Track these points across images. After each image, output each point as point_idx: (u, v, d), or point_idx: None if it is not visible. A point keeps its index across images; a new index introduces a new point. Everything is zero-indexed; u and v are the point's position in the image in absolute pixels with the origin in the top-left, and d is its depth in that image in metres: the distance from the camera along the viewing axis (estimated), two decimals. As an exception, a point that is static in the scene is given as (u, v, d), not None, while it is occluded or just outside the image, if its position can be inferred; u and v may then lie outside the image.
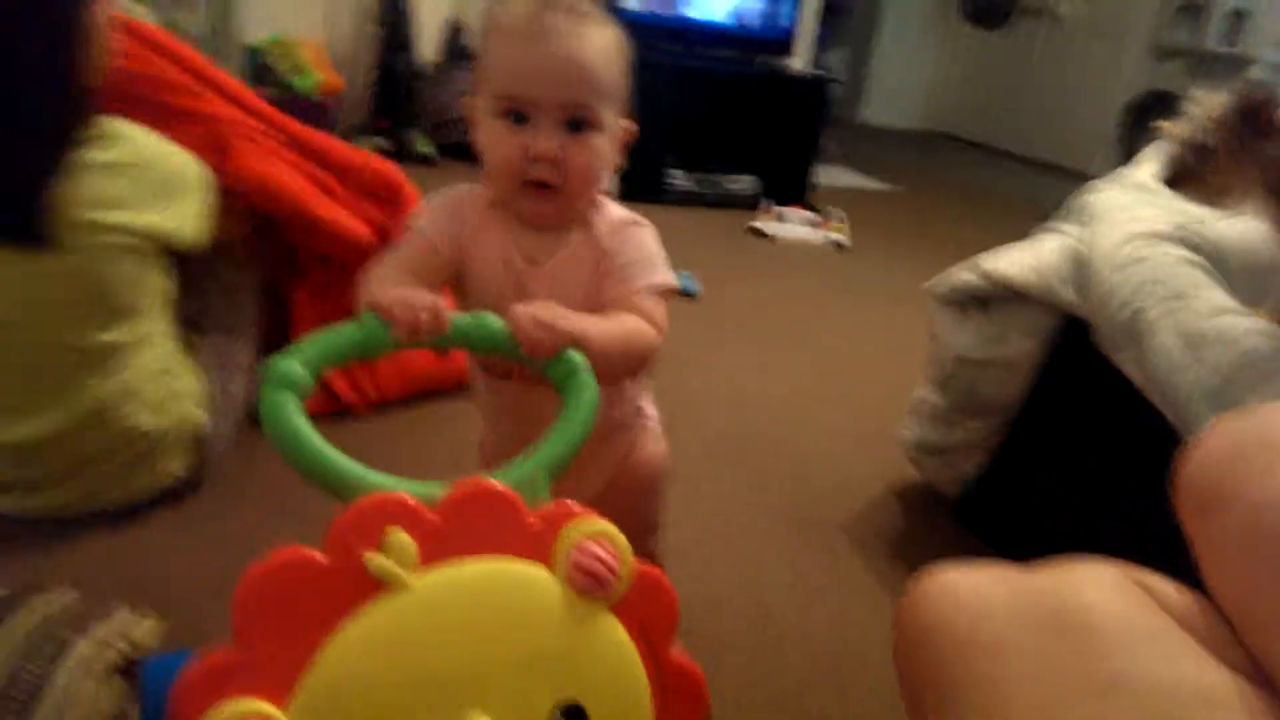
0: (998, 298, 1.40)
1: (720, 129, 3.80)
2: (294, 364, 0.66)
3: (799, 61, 4.09)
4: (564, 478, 0.69)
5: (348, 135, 3.48)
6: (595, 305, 0.84)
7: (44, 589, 0.94)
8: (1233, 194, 1.04)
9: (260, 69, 3.33)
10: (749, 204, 3.59)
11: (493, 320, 0.74)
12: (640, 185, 3.54)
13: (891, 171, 5.02)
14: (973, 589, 0.60)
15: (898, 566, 1.43)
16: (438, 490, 0.62)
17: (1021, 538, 1.46)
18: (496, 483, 0.64)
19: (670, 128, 3.54)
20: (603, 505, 0.91)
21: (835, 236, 3.31)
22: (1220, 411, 1.08)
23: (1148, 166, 1.44)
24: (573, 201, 0.84)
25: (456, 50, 3.60)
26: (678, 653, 0.68)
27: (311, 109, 3.35)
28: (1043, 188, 5.30)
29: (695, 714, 0.68)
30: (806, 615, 1.29)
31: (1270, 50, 1.50)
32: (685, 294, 2.52)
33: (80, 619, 0.90)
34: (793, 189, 3.75)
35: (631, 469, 0.98)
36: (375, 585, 0.59)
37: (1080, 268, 1.28)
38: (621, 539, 0.65)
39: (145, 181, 1.15)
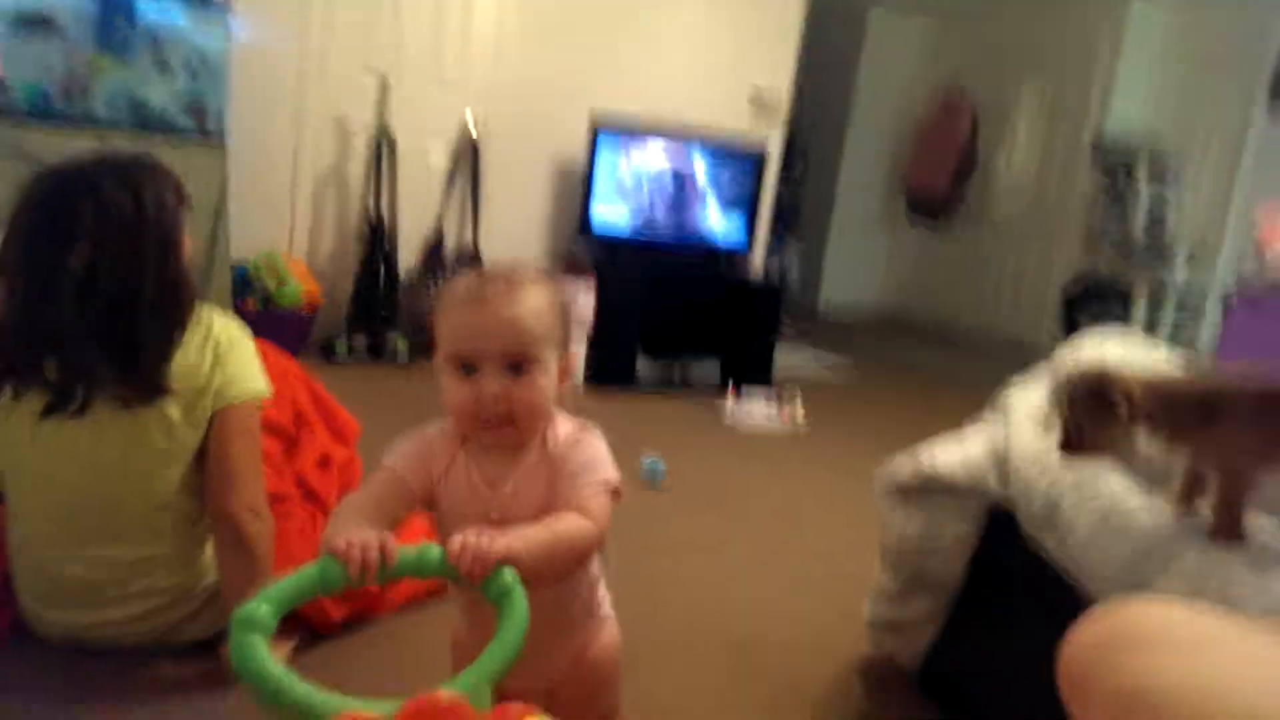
0: (934, 489, 1.51)
1: (685, 325, 4.05)
2: (259, 608, 0.76)
3: (757, 262, 4.41)
4: (522, 672, 0.77)
5: (327, 341, 3.67)
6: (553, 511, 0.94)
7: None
8: (1117, 451, 1.20)
9: (245, 282, 3.54)
10: (713, 391, 3.77)
11: (433, 550, 0.85)
12: (610, 373, 3.73)
13: (847, 352, 5.28)
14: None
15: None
16: (392, 708, 0.70)
17: (976, 700, 1.51)
18: (444, 695, 0.71)
19: (638, 322, 3.76)
20: (561, 696, 0.98)
21: (795, 422, 3.46)
22: (1132, 591, 1.18)
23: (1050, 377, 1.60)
24: (524, 429, 0.97)
25: (436, 260, 3.86)
26: None
27: (294, 319, 3.55)
28: (993, 363, 5.57)
29: None
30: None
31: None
32: (653, 479, 2.61)
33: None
34: (755, 375, 3.95)
35: (589, 662, 1.04)
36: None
37: (1002, 463, 1.40)
38: None
39: (232, 356, 1.45)
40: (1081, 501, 1.27)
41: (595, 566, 1.04)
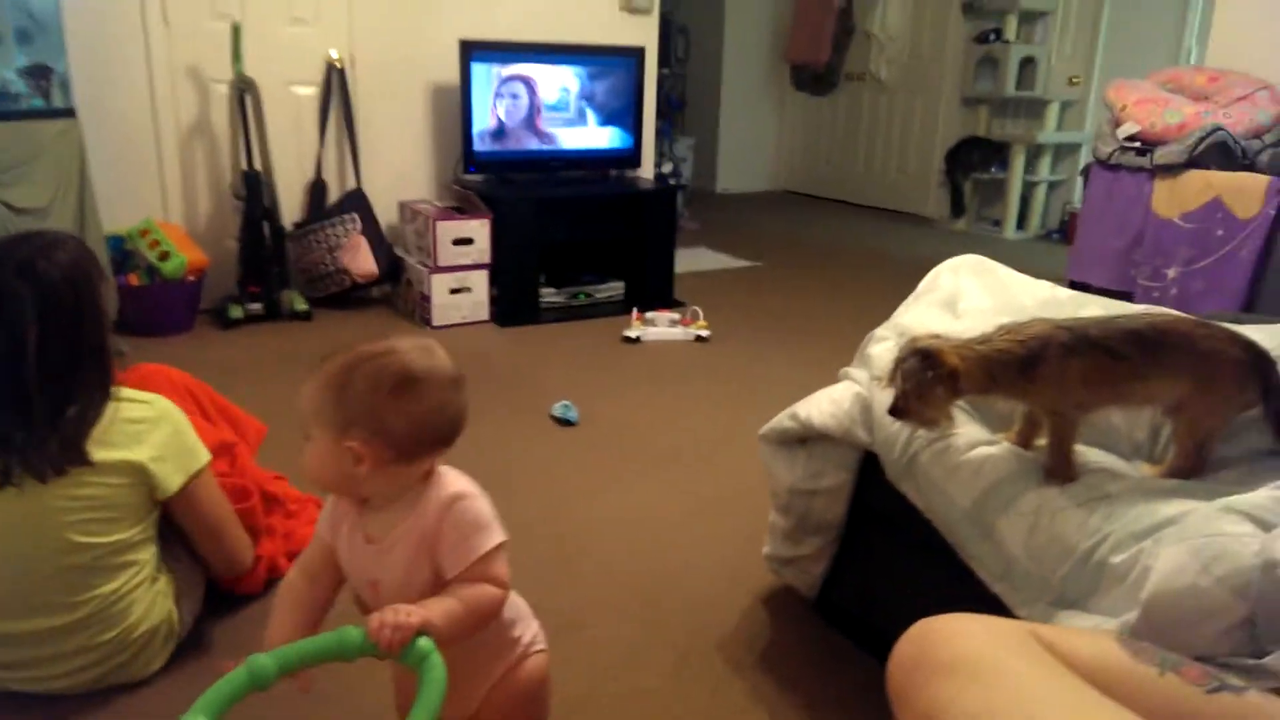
0: (812, 438, 1.65)
1: (583, 245, 4.06)
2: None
3: (647, 170, 4.40)
4: (444, 704, 0.88)
5: (220, 306, 3.59)
6: (428, 572, 1.02)
7: None
8: (939, 423, 1.33)
9: (123, 256, 3.42)
10: (619, 310, 3.85)
11: (351, 633, 0.94)
12: (514, 309, 3.76)
13: (749, 244, 5.39)
14: (965, 624, 0.80)
15: (771, 676, 1.64)
16: None
17: (870, 622, 1.70)
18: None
19: (537, 251, 3.77)
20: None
21: (697, 331, 3.58)
22: (979, 531, 1.34)
23: (914, 308, 1.72)
24: (324, 488, 1.07)
25: (320, 208, 3.76)
26: None
27: (181, 289, 3.45)
28: (884, 233, 5.77)
29: None
30: (694, 744, 1.48)
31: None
32: (566, 423, 2.72)
33: None
34: (658, 291, 4.03)
35: (504, 692, 1.14)
36: None
37: (868, 413, 1.53)
38: None
39: (155, 435, 1.51)
40: (933, 451, 1.42)
41: (507, 611, 1.11)
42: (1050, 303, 1.69)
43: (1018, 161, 5.68)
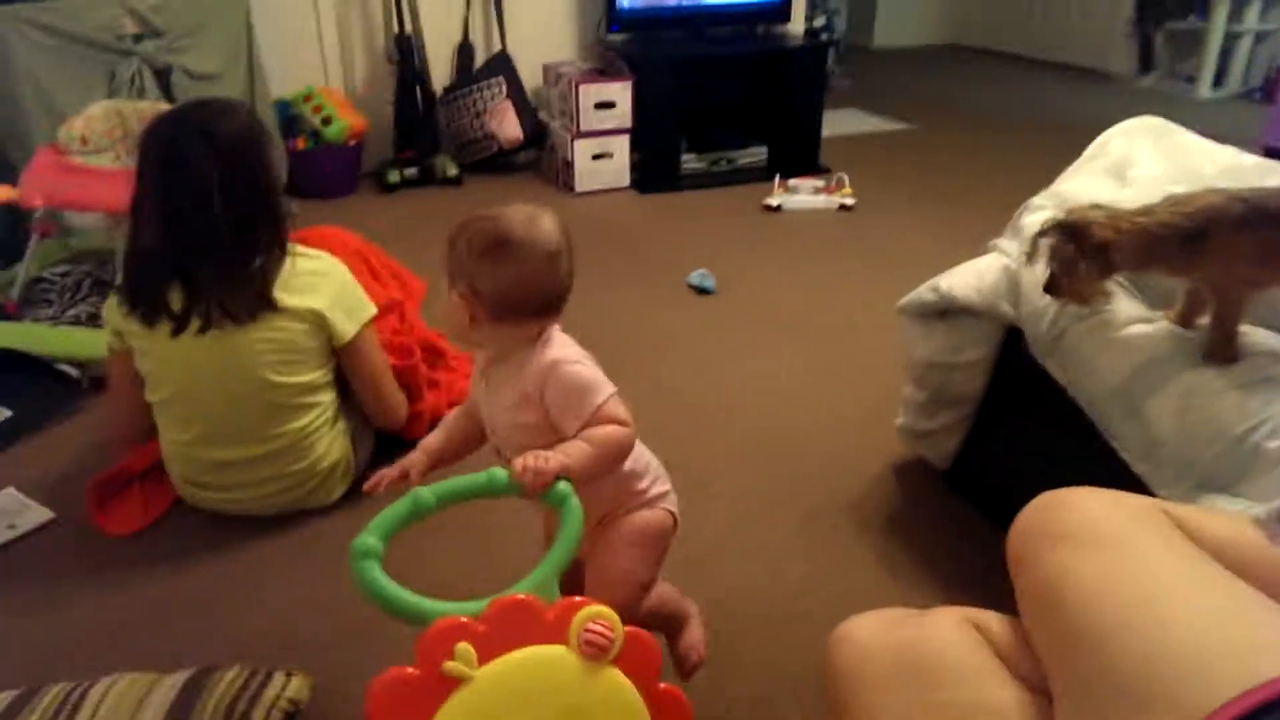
0: (953, 311, 1.60)
1: (727, 108, 3.95)
2: (369, 540, 0.95)
3: (798, 25, 4.18)
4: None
5: (379, 170, 3.75)
6: (531, 424, 1.10)
7: (217, 668, 1.26)
8: (1094, 299, 1.25)
9: (290, 121, 3.60)
10: (762, 176, 3.77)
11: (499, 473, 1.02)
12: (655, 175, 3.74)
13: (905, 106, 5.09)
14: (866, 639, 0.85)
15: (896, 540, 1.68)
16: (482, 606, 0.90)
17: (1001, 496, 1.68)
18: (520, 594, 0.91)
19: (679, 114, 3.71)
20: (589, 555, 1.18)
21: (842, 200, 3.47)
22: (1126, 410, 1.30)
23: (1077, 177, 1.61)
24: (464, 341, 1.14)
25: (468, 72, 3.81)
26: (665, 685, 0.96)
27: (343, 153, 3.62)
28: (1059, 95, 5.30)
29: None
30: (820, 596, 1.55)
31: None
32: (704, 291, 2.74)
33: (250, 690, 1.21)
34: (803, 156, 3.90)
35: (617, 525, 1.19)
36: (453, 682, 0.87)
37: (1014, 288, 1.48)
38: (613, 615, 0.93)
39: (328, 286, 1.68)
40: (1084, 328, 1.36)
41: (635, 463, 1.17)
42: (1233, 170, 1.55)
43: (1221, 7, 5.03)
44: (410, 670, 0.87)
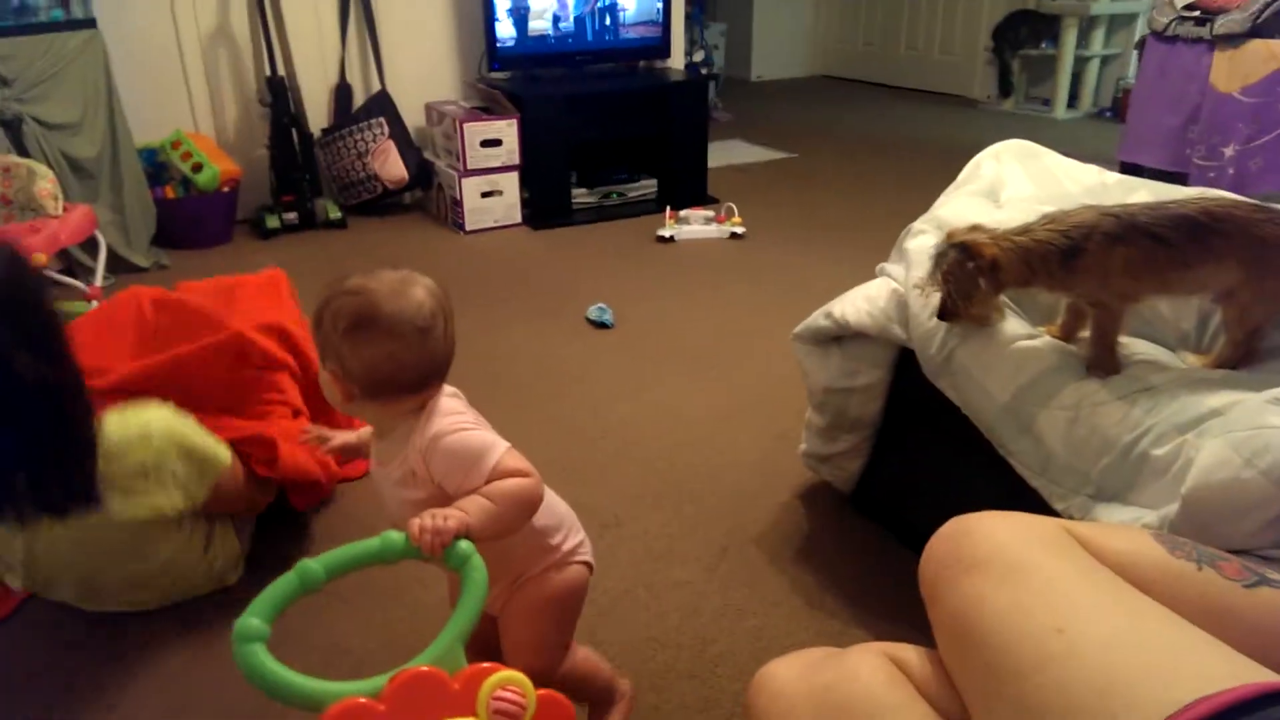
0: (847, 336, 1.63)
1: (614, 142, 3.97)
2: (251, 622, 0.87)
3: (678, 61, 4.25)
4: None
5: (257, 216, 3.60)
6: (420, 499, 1.05)
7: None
8: (989, 318, 1.29)
9: (157, 168, 3.42)
10: (652, 209, 3.79)
11: (393, 536, 0.96)
12: (546, 211, 3.72)
13: (785, 135, 5.24)
14: (786, 686, 0.83)
15: (807, 567, 1.67)
16: (381, 683, 0.84)
17: (904, 515, 1.71)
18: (420, 667, 0.85)
19: (567, 150, 3.70)
20: (503, 619, 1.13)
21: (732, 228, 3.52)
22: (1017, 425, 1.33)
23: (954, 199, 1.66)
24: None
25: (347, 113, 3.71)
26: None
27: (217, 200, 3.46)
28: (929, 120, 5.56)
29: None
30: (734, 634, 1.52)
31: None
32: (602, 326, 2.72)
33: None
34: (691, 187, 3.95)
35: (533, 588, 1.13)
36: (357, 768, 0.80)
37: (904, 310, 1.51)
38: (524, 679, 0.88)
39: (158, 472, 1.44)
40: (972, 348, 1.39)
41: (547, 518, 1.12)
42: (1097, 189, 1.62)
43: (1069, 35, 5.38)
44: (308, 762, 0.80)
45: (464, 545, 0.95)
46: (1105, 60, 5.64)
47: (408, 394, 1.04)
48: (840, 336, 1.65)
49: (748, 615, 1.57)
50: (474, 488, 1.01)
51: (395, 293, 1.01)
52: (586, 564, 1.19)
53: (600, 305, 2.77)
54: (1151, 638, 0.62)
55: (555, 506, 1.16)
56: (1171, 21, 3.26)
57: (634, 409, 2.27)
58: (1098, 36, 5.51)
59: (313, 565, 0.94)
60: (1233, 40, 3.02)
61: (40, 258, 2.22)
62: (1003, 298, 1.45)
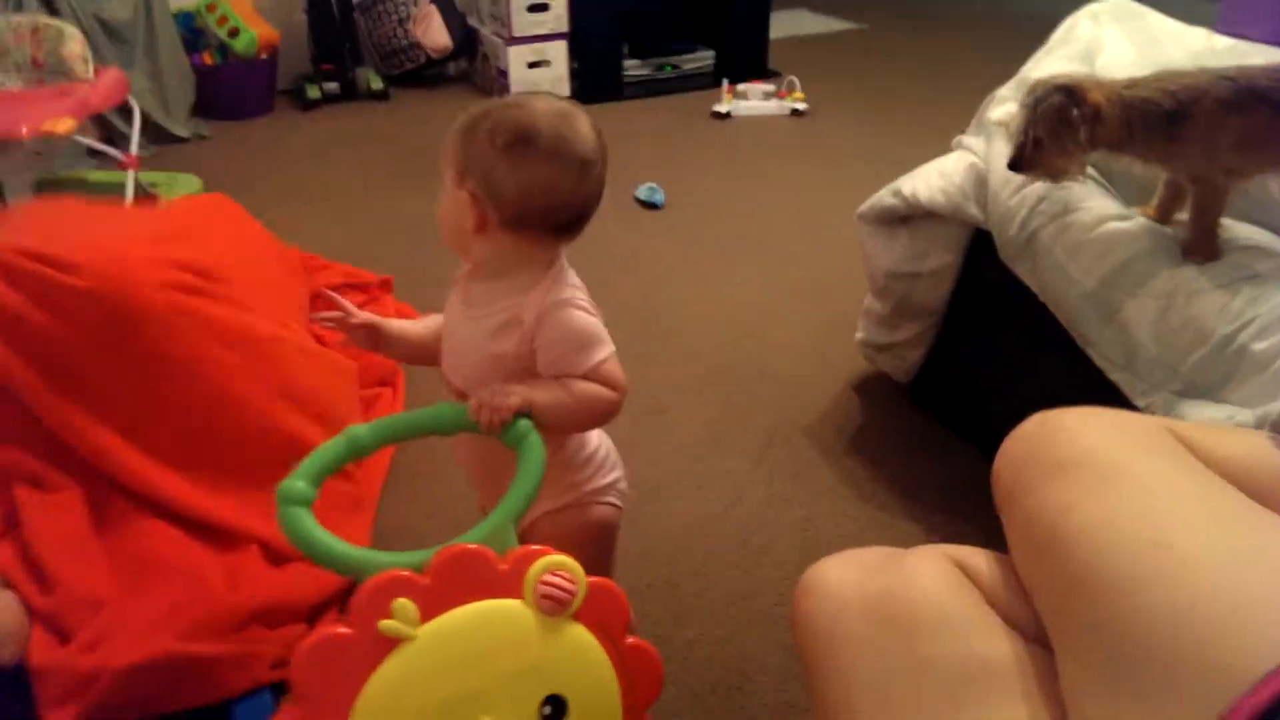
0: (917, 216, 1.51)
1: (669, 9, 3.74)
2: (296, 484, 0.83)
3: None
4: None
5: (297, 86, 3.49)
6: (510, 360, 0.94)
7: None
8: (1070, 172, 1.15)
9: (194, 35, 3.31)
10: (709, 83, 3.60)
11: (448, 409, 0.90)
12: (596, 84, 3.55)
13: (851, 6, 4.90)
14: (836, 588, 0.76)
15: (859, 460, 1.62)
16: (426, 557, 0.80)
17: (966, 409, 1.63)
18: (468, 544, 0.81)
19: (619, 18, 3.50)
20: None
21: (794, 104, 3.33)
22: (1102, 314, 1.22)
23: (1047, 61, 1.51)
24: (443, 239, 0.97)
25: (388, -24, 3.53)
26: (633, 640, 0.87)
27: (256, 68, 3.36)
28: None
29: (652, 685, 0.88)
30: (779, 525, 1.48)
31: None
32: (652, 206, 2.61)
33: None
34: (751, 60, 3.72)
35: (551, 524, 1.02)
36: (391, 642, 0.77)
37: (982, 187, 1.38)
38: (576, 565, 0.83)
39: None
40: (1056, 228, 1.27)
41: (581, 450, 1.03)
42: (1205, 54, 1.45)
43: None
44: (343, 630, 0.77)
45: (523, 423, 0.89)
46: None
47: (550, 234, 0.94)
48: (909, 216, 1.53)
49: (794, 506, 1.52)
50: (565, 372, 0.93)
51: (562, 116, 0.90)
52: (612, 505, 1.07)
53: (650, 185, 2.65)
54: (1275, 558, 0.54)
55: (601, 441, 1.07)
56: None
57: (683, 293, 2.19)
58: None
59: (361, 431, 0.90)
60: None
61: (69, 123, 2.14)
62: (1094, 175, 1.32)
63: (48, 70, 2.41)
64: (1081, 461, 0.65)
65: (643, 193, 2.63)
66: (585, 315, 0.94)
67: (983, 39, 4.26)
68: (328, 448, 0.88)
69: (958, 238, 1.47)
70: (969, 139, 1.50)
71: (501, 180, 0.89)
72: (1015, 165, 1.16)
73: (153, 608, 1.16)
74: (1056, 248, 1.27)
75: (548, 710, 0.81)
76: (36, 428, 1.25)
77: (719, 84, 3.46)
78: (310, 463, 0.87)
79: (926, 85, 3.66)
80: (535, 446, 0.88)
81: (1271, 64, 1.13)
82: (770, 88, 3.43)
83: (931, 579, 0.71)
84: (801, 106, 3.33)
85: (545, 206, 0.91)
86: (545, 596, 0.81)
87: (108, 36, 3.00)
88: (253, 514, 1.29)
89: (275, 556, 1.29)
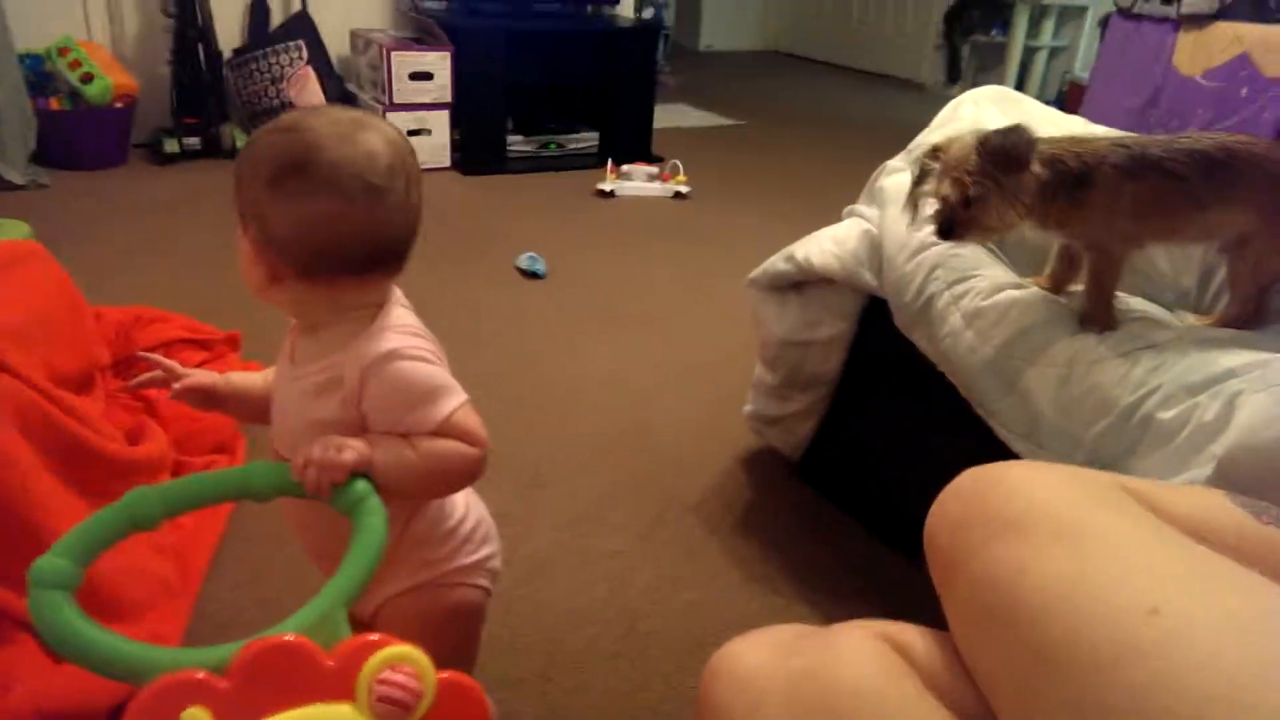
0: (809, 283, 1.46)
1: (556, 88, 3.74)
2: (57, 561, 0.65)
3: (626, 10, 4.03)
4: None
5: (155, 139, 3.27)
6: (328, 422, 0.79)
7: None
8: (1007, 229, 1.10)
9: (42, 77, 3.06)
10: (593, 163, 3.57)
11: (264, 467, 0.75)
12: (479, 156, 3.47)
13: (732, 103, 5.06)
14: (752, 673, 0.64)
15: (747, 539, 1.51)
16: (227, 653, 0.63)
17: (854, 486, 1.56)
18: (284, 635, 0.64)
19: (504, 92, 3.45)
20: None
21: (676, 187, 3.34)
22: (1002, 383, 1.17)
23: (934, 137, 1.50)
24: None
25: (263, 33, 3.39)
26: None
27: (109, 116, 3.12)
28: (879, 101, 5.46)
29: None
30: (668, 609, 1.34)
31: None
32: (534, 276, 2.50)
33: None
34: (635, 142, 3.74)
35: (404, 605, 0.88)
36: (178, 766, 0.59)
37: (876, 253, 1.34)
38: (422, 658, 0.67)
39: None
40: (953, 295, 1.23)
41: (444, 522, 0.89)
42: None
43: (1020, 22, 5.33)
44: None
45: (360, 484, 0.74)
46: (1054, 52, 5.61)
47: (349, 275, 0.77)
48: (801, 283, 1.48)
49: (683, 588, 1.39)
50: (410, 432, 0.77)
51: (341, 136, 0.74)
52: (480, 588, 0.92)
53: (531, 254, 2.55)
54: (1272, 620, 0.46)
55: (473, 509, 0.92)
56: None
57: (565, 365, 2.07)
58: (1048, 27, 5.47)
59: (149, 494, 0.72)
60: (1198, 21, 2.95)
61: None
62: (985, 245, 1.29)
63: None
64: (1035, 518, 0.56)
65: (524, 262, 2.53)
66: (420, 365, 0.79)
67: (852, 141, 4.45)
68: (101, 517, 0.71)
69: (851, 305, 1.42)
70: (861, 207, 1.46)
71: (275, 223, 0.74)
72: (944, 228, 1.08)
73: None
74: (953, 315, 1.23)
75: (384, 845, 0.64)
76: None
77: (603, 165, 3.44)
78: (76, 535, 0.69)
79: (803, 178, 3.75)
80: (374, 512, 0.73)
81: (1161, 138, 1.14)
82: (654, 169, 3.43)
83: (862, 660, 0.60)
84: (684, 189, 3.33)
85: (331, 246, 0.75)
86: (383, 699, 0.65)
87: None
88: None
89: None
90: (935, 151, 1.12)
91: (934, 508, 0.66)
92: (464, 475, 0.81)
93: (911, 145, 1.51)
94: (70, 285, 1.51)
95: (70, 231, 2.54)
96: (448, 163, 3.44)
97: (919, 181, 1.12)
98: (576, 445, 1.75)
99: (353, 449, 0.74)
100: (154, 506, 0.73)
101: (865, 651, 0.61)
